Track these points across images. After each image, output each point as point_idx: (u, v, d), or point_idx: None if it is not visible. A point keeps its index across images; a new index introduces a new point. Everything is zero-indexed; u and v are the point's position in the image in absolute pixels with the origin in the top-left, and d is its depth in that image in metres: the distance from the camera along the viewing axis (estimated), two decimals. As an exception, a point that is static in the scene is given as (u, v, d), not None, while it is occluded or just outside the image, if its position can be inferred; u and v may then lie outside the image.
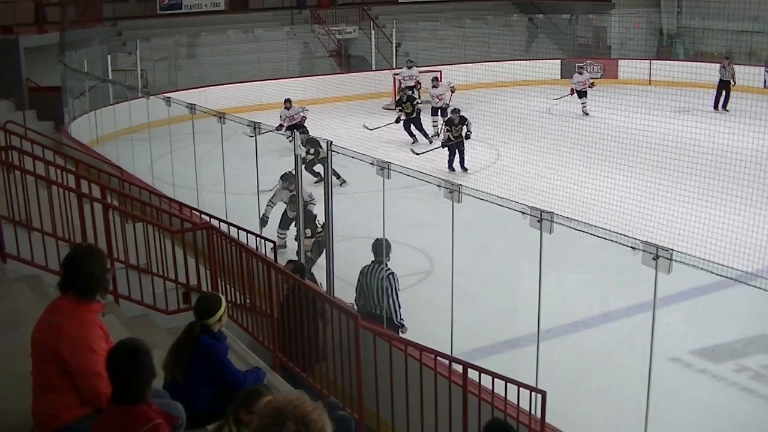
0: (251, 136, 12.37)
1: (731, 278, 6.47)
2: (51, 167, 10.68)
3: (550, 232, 7.42)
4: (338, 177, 16.98)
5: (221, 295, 7.12)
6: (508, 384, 7.46)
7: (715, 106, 27.49)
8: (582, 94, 27.51)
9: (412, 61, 30.21)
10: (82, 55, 25.09)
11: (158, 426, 4.51)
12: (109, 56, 27.89)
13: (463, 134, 20.06)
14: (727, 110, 27.11)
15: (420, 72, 29.57)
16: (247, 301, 9.27)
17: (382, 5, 38.77)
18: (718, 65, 27.89)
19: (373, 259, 10.12)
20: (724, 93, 27.54)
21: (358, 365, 7.74)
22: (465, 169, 20.19)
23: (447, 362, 7.96)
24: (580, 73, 27.98)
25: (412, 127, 23.77)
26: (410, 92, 24.96)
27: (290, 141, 12.33)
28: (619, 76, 33.53)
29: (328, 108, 26.31)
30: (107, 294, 6.91)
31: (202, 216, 12.57)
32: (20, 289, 8.07)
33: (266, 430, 3.04)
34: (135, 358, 4.50)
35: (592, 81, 28.19)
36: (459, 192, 8.31)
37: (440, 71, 30.60)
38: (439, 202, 8.57)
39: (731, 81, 27.43)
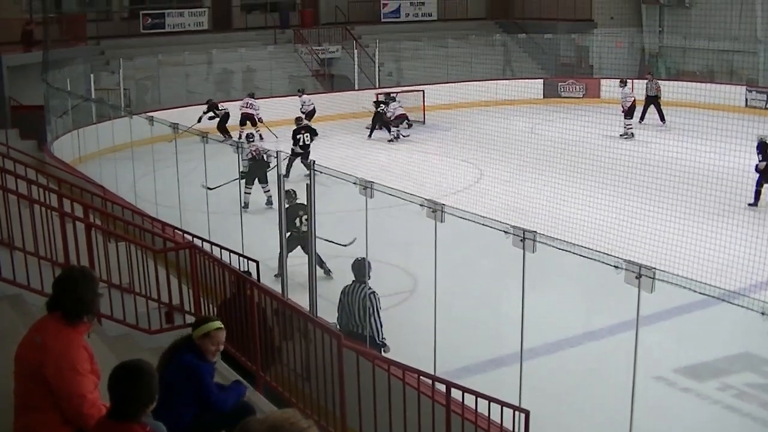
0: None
1: (714, 297, 6.49)
2: (33, 186, 10.63)
3: (533, 252, 7.44)
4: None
5: (217, 320, 6.90)
6: (492, 403, 7.46)
7: None
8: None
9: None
10: (66, 73, 25.05)
11: None
12: (92, 75, 27.88)
13: None
14: None
15: (399, 93, 29.45)
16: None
17: (365, 25, 38.86)
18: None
19: (353, 279, 10.12)
20: None
21: (342, 385, 7.72)
22: None
23: (430, 382, 7.95)
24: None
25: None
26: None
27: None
28: (601, 95, 33.69)
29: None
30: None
31: (185, 235, 12.54)
32: (2, 308, 8.01)
33: None
34: (135, 378, 4.52)
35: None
36: (442, 211, 8.33)
37: (423, 91, 30.71)
38: (423, 222, 8.58)
39: None
